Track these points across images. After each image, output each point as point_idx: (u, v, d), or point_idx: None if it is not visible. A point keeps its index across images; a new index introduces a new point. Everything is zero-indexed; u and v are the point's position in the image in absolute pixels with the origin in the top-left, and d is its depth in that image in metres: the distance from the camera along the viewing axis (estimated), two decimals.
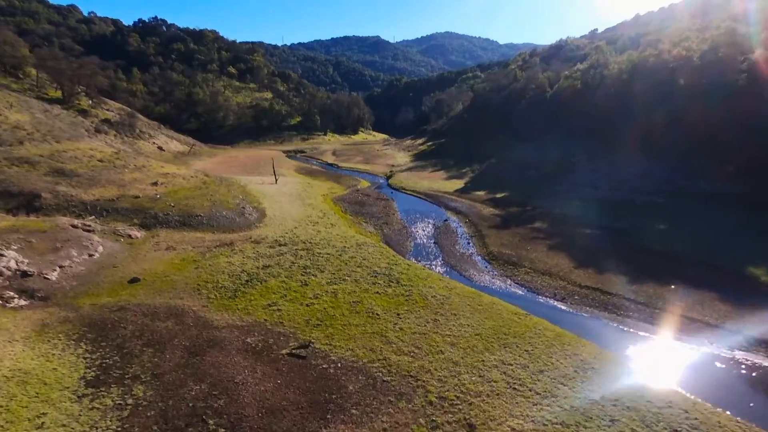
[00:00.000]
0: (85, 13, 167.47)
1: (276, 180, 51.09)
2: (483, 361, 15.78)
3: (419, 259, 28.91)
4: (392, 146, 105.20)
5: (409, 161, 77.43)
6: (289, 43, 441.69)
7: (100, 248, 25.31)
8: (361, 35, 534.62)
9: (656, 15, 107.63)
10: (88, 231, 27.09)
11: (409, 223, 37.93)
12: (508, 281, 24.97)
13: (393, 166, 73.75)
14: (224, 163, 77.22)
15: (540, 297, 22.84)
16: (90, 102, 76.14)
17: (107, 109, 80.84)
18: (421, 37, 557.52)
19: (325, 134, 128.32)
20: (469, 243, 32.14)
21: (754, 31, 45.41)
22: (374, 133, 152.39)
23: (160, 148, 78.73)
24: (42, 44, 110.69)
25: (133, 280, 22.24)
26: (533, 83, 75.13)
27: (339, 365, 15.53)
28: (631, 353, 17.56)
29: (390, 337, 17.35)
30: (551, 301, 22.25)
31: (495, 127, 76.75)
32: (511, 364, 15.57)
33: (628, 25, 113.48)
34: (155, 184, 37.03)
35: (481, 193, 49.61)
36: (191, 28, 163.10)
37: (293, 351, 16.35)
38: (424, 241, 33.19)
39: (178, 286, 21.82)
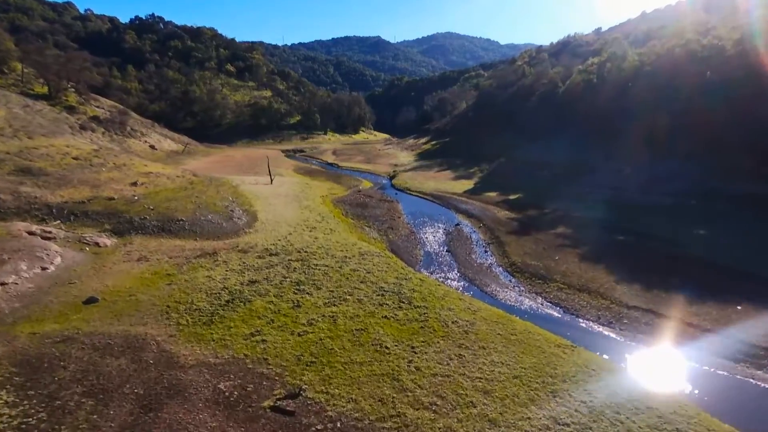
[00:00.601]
0: (82, 11, 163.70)
1: (271, 180, 47.19)
2: (529, 419, 11.83)
3: (432, 271, 24.96)
4: (394, 146, 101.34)
5: (413, 161, 73.48)
6: (289, 43, 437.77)
7: (58, 260, 21.38)
8: (361, 35, 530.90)
9: (664, 12, 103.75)
10: (48, 238, 23.16)
11: (417, 228, 33.99)
12: (539, 299, 21.00)
13: (396, 165, 69.80)
14: (219, 162, 73.36)
15: (581, 320, 18.87)
16: (78, 98, 72.22)
17: (97, 106, 77.02)
18: (422, 37, 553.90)
19: (325, 133, 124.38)
20: (486, 251, 28.18)
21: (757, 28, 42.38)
22: (375, 132, 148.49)
23: (152, 146, 74.86)
24: (35, 41, 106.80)
25: (90, 300, 18.29)
26: (543, 79, 71.22)
27: (338, 425, 11.59)
28: (716, 399, 13.61)
29: (404, 380, 13.40)
30: (596, 327, 18.27)
31: (502, 125, 72.87)
32: (568, 425, 11.61)
33: (635, 22, 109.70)
34: (134, 184, 33.12)
35: (492, 194, 45.66)
36: (189, 25, 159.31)
37: (278, 403, 12.40)
38: (436, 248, 29.24)
39: (143, 308, 17.86)
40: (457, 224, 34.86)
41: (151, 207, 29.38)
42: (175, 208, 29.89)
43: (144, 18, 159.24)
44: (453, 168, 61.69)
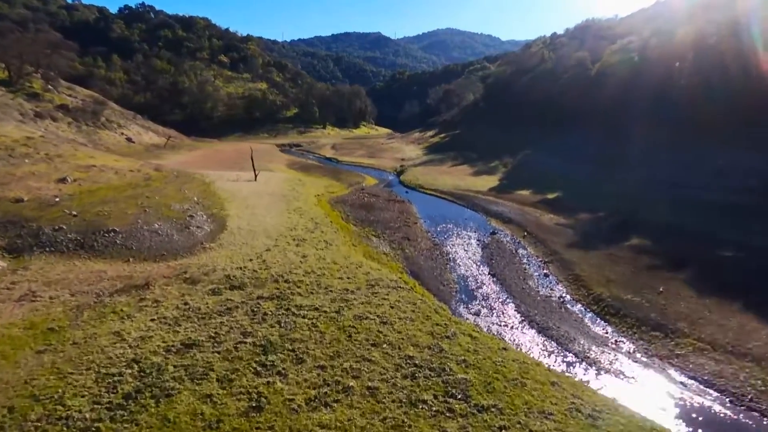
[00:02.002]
0: (69, 0, 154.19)
1: (255, 176, 38.43)
2: None
3: (478, 311, 16.29)
4: (398, 140, 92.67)
5: (422, 154, 64.71)
6: (288, 40, 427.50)
7: None
8: (362, 31, 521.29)
9: None
10: None
11: (441, 238, 25.36)
12: (674, 372, 12.35)
13: (403, 160, 61.05)
14: (204, 156, 64.71)
15: None
16: (45, 85, 63.35)
17: (69, 95, 68.24)
18: (423, 33, 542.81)
19: (324, 127, 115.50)
20: (547, 275, 19.58)
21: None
22: (377, 127, 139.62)
23: (128, 139, 66.11)
24: (15, 30, 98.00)
25: None
26: (569, 62, 62.41)
27: None
28: None
29: None
30: None
31: (522, 115, 64.15)
32: None
33: (655, 8, 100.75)
34: (63, 180, 24.42)
35: (524, 192, 37.07)
36: (181, 15, 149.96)
37: None
38: (473, 270, 20.61)
39: None
40: (493, 232, 26.21)
41: (74, 212, 20.67)
42: (109, 214, 21.18)
43: (134, 7, 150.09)
44: (469, 162, 52.98)
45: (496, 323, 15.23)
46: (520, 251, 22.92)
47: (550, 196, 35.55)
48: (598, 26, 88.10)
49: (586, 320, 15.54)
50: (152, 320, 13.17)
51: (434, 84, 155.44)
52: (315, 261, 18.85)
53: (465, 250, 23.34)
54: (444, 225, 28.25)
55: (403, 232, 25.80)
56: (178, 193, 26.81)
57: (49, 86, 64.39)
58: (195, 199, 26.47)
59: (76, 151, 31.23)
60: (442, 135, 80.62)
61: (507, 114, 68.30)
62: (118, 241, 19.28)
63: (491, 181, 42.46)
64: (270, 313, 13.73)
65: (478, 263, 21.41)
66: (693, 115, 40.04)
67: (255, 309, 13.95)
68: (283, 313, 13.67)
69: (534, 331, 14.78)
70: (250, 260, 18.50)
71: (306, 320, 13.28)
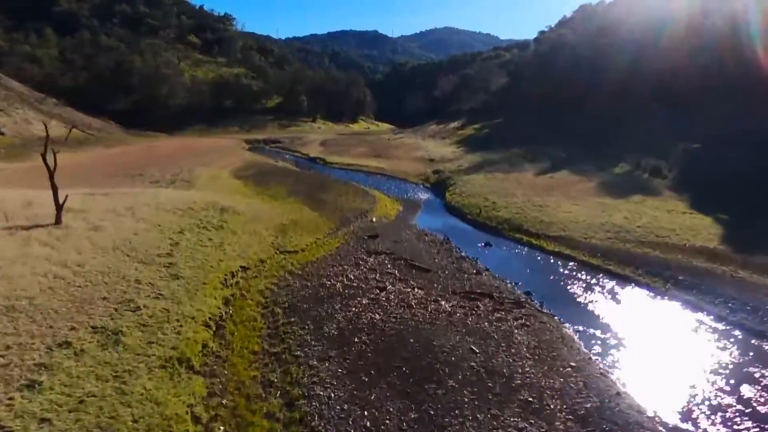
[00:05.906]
0: None
1: (58, 214, 12.23)
2: None
3: None
4: (410, 134, 66.95)
5: (461, 153, 38.42)
6: (283, 37, 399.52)
7: None
8: (359, 29, 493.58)
9: None
10: None
11: None
12: None
13: (433, 161, 35.15)
14: (122, 155, 38.98)
15: None
16: None
17: None
18: (421, 32, 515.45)
19: (313, 121, 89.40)
20: None
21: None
22: (378, 122, 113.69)
23: None
24: None
25: None
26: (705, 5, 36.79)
27: None
28: None
29: None
30: None
31: (620, 89, 38.57)
32: None
33: None
34: None
35: None
36: None
37: None
38: None
39: None
40: None
41: None
42: None
43: None
44: (568, 166, 26.90)
45: None
46: None
47: None
48: None
49: None
50: None
51: (440, 76, 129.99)
52: None
53: None
54: None
55: None
56: None
57: None
58: None
59: None
60: (477, 126, 54.93)
61: (591, 90, 42.74)
62: None
63: (686, 214, 16.78)
64: None
65: None
66: None
67: None
68: None
69: None
70: None
71: None
